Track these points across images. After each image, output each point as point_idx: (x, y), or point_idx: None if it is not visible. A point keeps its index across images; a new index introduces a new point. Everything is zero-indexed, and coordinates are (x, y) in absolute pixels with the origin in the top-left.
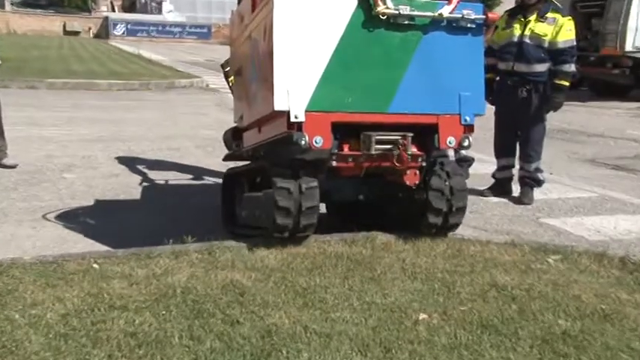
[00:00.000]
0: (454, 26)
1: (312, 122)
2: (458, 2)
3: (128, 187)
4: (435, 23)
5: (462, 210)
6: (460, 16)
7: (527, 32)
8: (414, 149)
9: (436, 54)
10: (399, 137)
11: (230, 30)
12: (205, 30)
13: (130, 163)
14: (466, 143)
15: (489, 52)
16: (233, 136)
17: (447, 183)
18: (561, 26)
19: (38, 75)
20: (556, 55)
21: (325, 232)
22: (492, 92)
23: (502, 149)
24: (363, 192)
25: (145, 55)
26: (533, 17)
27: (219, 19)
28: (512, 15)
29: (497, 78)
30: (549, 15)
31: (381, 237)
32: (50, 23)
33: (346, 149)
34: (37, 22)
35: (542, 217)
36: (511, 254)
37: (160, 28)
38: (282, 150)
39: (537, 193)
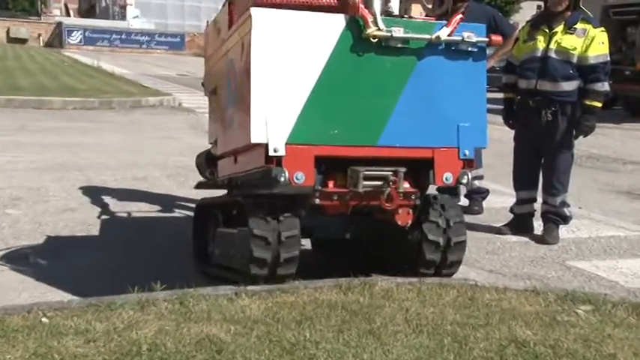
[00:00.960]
0: (453, 50)
1: (293, 156)
2: (457, 23)
3: (85, 223)
4: (432, 47)
5: (461, 245)
6: (460, 38)
7: (552, 46)
8: (406, 185)
9: (432, 81)
10: (390, 173)
11: (205, 43)
12: (177, 39)
13: (87, 195)
14: (464, 180)
15: (509, 68)
16: (207, 162)
17: (442, 215)
18: (592, 39)
19: None
20: (586, 71)
21: (315, 274)
22: (512, 114)
23: (522, 180)
24: (350, 230)
25: (105, 68)
26: (559, 28)
27: (194, 27)
28: (535, 26)
29: (518, 98)
30: (579, 26)
31: (382, 283)
32: None
33: (331, 185)
34: None
35: (570, 260)
36: (533, 303)
37: (124, 37)
38: (259, 184)
39: (563, 231)
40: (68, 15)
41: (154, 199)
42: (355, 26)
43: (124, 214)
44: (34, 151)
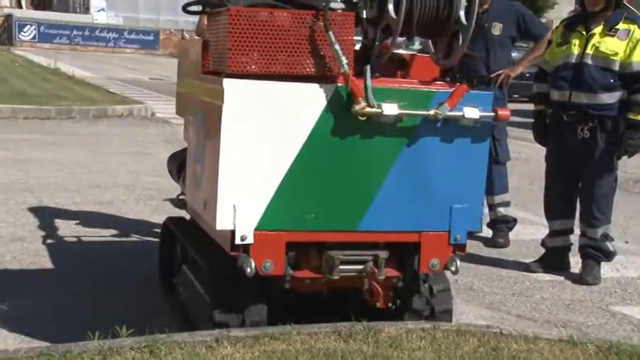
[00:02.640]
0: (452, 125)
1: (262, 244)
2: (461, 96)
3: (37, 255)
4: (429, 122)
5: (447, 314)
6: (461, 114)
7: (589, 50)
8: (388, 270)
9: (425, 160)
10: (370, 258)
11: (179, 56)
12: (150, 37)
13: (40, 222)
14: (453, 267)
15: (541, 76)
16: (179, 173)
17: (426, 284)
18: (638, 41)
19: None
20: (630, 80)
21: (310, 317)
22: (544, 129)
23: (556, 207)
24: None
25: (64, 70)
26: (598, 30)
27: (170, 23)
28: (569, 26)
29: (551, 111)
30: (621, 26)
31: (389, 328)
32: None
33: (303, 269)
34: None
35: (614, 304)
36: (569, 357)
37: (87, 34)
38: (223, 258)
39: (606, 270)
40: (20, 7)
41: (120, 227)
42: (340, 101)
43: (84, 245)
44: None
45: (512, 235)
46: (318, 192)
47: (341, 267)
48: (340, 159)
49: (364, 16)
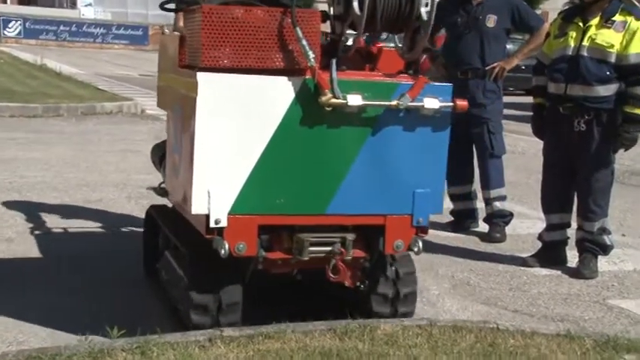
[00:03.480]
0: (414, 115)
1: (235, 227)
2: (421, 87)
3: (26, 256)
4: (391, 112)
5: (411, 296)
6: (421, 105)
7: (585, 42)
8: (355, 251)
9: (389, 147)
10: (338, 240)
11: (159, 52)
12: (139, 32)
13: (28, 222)
14: (416, 248)
15: (539, 68)
16: (162, 160)
17: (392, 267)
18: (634, 33)
19: None
20: (627, 73)
21: (305, 314)
22: (542, 122)
23: (553, 201)
24: (302, 272)
25: (51, 67)
26: (595, 21)
27: (159, 18)
28: (567, 18)
29: (549, 104)
30: (618, 18)
31: (385, 325)
32: None
33: (275, 251)
34: None
35: (611, 298)
36: (566, 351)
37: (75, 29)
38: (201, 242)
39: (603, 263)
40: (4, 2)
41: (110, 226)
42: (308, 91)
43: (74, 245)
44: None
45: (508, 229)
46: (288, 178)
47: (310, 248)
48: (308, 147)
49: (332, 12)
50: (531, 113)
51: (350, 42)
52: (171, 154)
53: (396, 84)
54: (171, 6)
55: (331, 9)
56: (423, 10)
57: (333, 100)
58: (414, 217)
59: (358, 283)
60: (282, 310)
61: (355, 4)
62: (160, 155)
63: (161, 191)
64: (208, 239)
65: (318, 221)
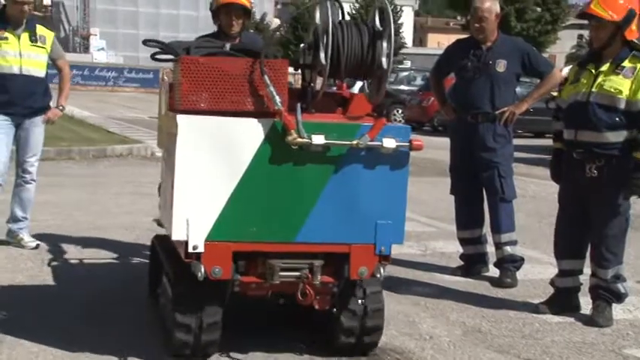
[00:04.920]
0: (374, 154)
1: (211, 252)
2: (380, 129)
3: (37, 301)
4: (353, 150)
5: (377, 329)
6: (379, 144)
7: (595, 88)
8: (324, 277)
9: (351, 183)
10: (306, 266)
11: (159, 98)
12: (150, 75)
13: (40, 267)
14: (379, 274)
15: (558, 113)
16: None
17: (360, 302)
18: None
19: None
20: (636, 119)
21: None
22: (559, 167)
23: (566, 247)
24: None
25: (64, 111)
26: (606, 67)
27: (170, 62)
28: (582, 65)
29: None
30: (627, 64)
31: None
32: None
33: (250, 275)
34: None
35: (627, 347)
36: None
37: (87, 73)
38: (183, 266)
39: (618, 311)
40: None
41: (119, 268)
42: (277, 131)
43: (85, 289)
44: None
45: (519, 274)
46: (260, 209)
47: (280, 273)
48: (278, 181)
49: (302, 61)
50: (548, 157)
51: (318, 87)
52: (163, 187)
53: (358, 125)
54: (161, 57)
55: (301, 59)
56: (384, 60)
57: (299, 140)
58: (376, 245)
59: (328, 307)
60: (269, 332)
61: (322, 55)
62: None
63: (159, 222)
64: (187, 263)
65: (287, 249)
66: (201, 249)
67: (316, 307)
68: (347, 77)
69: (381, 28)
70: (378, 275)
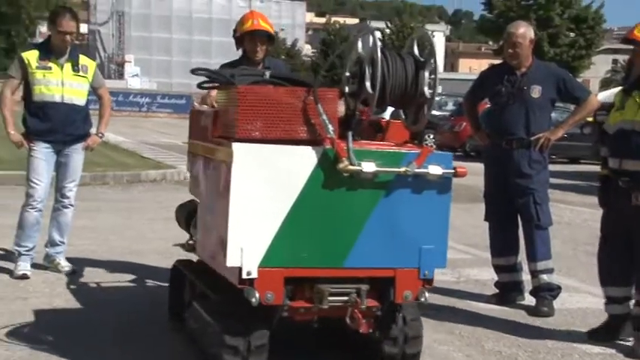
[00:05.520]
0: (420, 180)
1: (264, 278)
2: (427, 156)
3: (71, 325)
4: (400, 177)
5: (415, 356)
6: (426, 171)
7: (638, 117)
8: (369, 300)
9: (398, 208)
10: (353, 291)
11: (190, 121)
12: (183, 101)
13: (77, 291)
14: (423, 298)
15: (604, 138)
16: (188, 225)
17: (402, 330)
18: None
19: None
20: None
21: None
22: (607, 193)
23: (610, 274)
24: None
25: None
26: None
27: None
28: (627, 91)
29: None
30: None
31: None
32: None
33: (298, 300)
34: None
35: None
36: None
37: (122, 99)
38: (232, 293)
39: None
40: None
41: (154, 293)
42: (328, 158)
43: (118, 312)
44: (10, 235)
45: (556, 303)
46: (311, 235)
47: (329, 298)
48: (328, 208)
49: (347, 90)
50: (583, 183)
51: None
52: (204, 214)
53: (404, 153)
54: (208, 85)
55: (346, 87)
56: (426, 89)
57: (350, 167)
58: (420, 270)
59: (371, 330)
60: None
61: (367, 84)
62: (185, 214)
63: (189, 247)
64: (239, 289)
65: (336, 274)
66: (254, 275)
67: (361, 330)
68: (390, 106)
69: (421, 58)
70: (422, 299)
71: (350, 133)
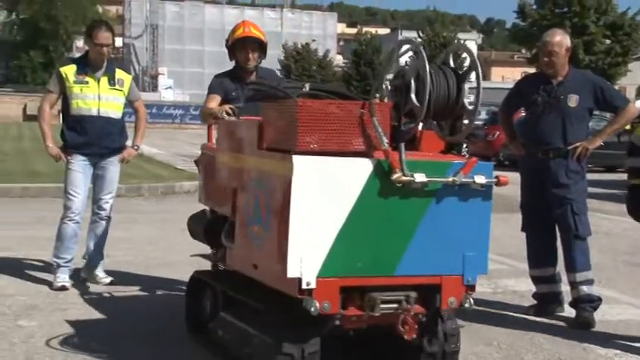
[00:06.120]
0: (464, 189)
1: (322, 288)
2: (472, 166)
3: (111, 336)
4: (446, 187)
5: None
6: (472, 181)
7: None
8: (416, 307)
9: (444, 216)
10: (403, 298)
11: (221, 135)
12: None
13: (113, 302)
14: (467, 304)
15: (633, 150)
16: (207, 234)
17: (439, 328)
18: None
19: None
20: None
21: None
22: (637, 204)
23: None
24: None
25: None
26: None
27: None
28: None
29: None
30: None
31: None
32: (5, 105)
33: (351, 309)
34: None
35: None
36: None
37: (155, 111)
38: (286, 303)
39: None
40: None
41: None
42: (382, 170)
43: (155, 323)
44: (48, 247)
45: (597, 315)
46: (365, 244)
47: (381, 306)
48: (380, 217)
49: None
50: (621, 192)
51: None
52: (245, 226)
53: (450, 163)
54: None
55: (387, 99)
56: (466, 101)
57: (403, 178)
58: (464, 277)
59: (414, 336)
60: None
61: (413, 96)
62: (204, 225)
63: (216, 258)
64: (298, 299)
65: (388, 282)
66: (313, 285)
67: (405, 337)
68: (432, 118)
69: (459, 70)
70: (467, 305)
71: (402, 145)
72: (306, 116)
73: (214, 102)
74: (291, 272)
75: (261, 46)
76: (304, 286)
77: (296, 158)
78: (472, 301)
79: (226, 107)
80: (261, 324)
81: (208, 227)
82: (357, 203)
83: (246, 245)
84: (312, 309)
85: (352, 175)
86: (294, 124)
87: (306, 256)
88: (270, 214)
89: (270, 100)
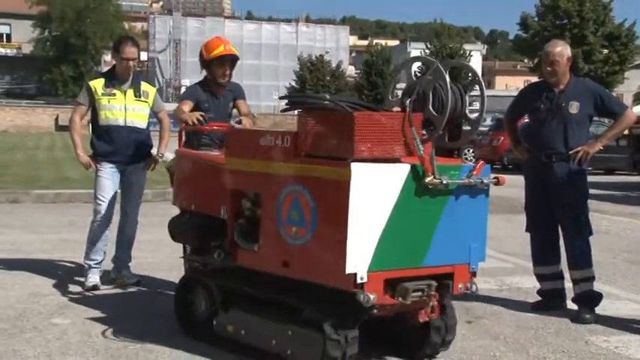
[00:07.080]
0: (473, 188)
1: (371, 282)
2: (481, 168)
3: (142, 335)
4: (460, 187)
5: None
6: (481, 181)
7: None
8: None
9: (457, 212)
10: (426, 286)
11: (236, 142)
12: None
13: (144, 302)
14: (474, 288)
15: None
16: (200, 237)
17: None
18: None
19: (22, 185)
20: None
21: None
22: None
23: None
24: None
25: (169, 157)
26: None
27: (257, 108)
28: None
29: None
30: None
31: None
32: (38, 117)
33: (387, 298)
34: (22, 116)
35: None
36: None
37: None
38: (332, 296)
39: None
40: None
41: None
42: (417, 173)
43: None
44: (79, 249)
45: (598, 310)
46: (401, 240)
47: (412, 294)
48: (412, 215)
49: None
50: (619, 193)
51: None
52: (275, 226)
53: (461, 166)
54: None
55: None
56: (467, 110)
57: (435, 180)
58: (470, 265)
59: (427, 320)
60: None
61: (430, 108)
62: (193, 231)
63: (226, 261)
64: (349, 293)
65: (416, 273)
66: (365, 279)
67: (420, 319)
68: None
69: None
70: (474, 289)
71: (433, 151)
72: (362, 127)
73: (187, 107)
74: (350, 269)
75: (233, 62)
76: (359, 281)
77: (354, 165)
78: (476, 286)
79: (197, 114)
80: (290, 317)
81: (199, 230)
82: (396, 203)
83: (277, 245)
84: (366, 301)
85: (393, 178)
86: (350, 134)
87: (360, 254)
88: (317, 216)
89: (311, 111)
